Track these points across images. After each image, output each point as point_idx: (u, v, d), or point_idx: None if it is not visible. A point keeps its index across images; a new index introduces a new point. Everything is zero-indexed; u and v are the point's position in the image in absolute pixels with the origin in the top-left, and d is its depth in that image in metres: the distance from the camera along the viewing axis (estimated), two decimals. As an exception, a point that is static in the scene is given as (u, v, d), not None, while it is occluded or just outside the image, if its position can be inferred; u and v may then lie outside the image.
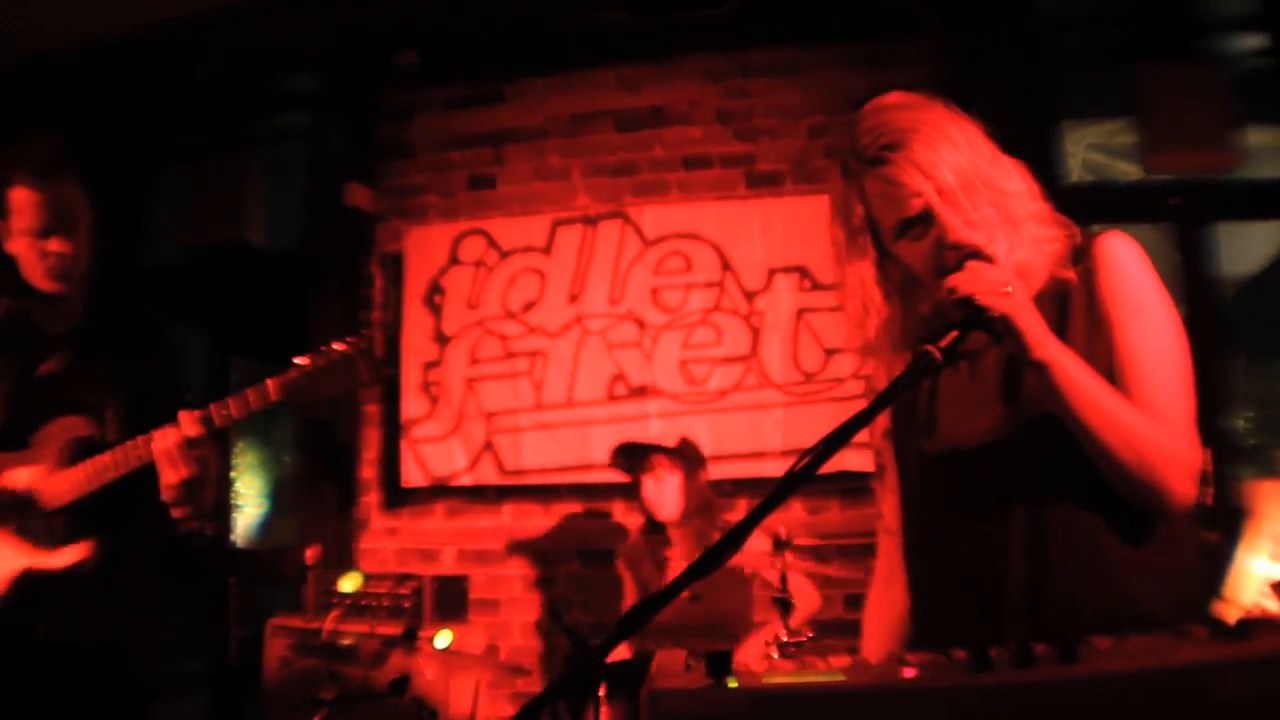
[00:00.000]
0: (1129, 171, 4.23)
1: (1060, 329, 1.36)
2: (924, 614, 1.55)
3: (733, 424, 3.89)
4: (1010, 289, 1.29)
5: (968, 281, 1.29)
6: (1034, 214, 1.42)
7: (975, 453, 1.44)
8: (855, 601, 3.85)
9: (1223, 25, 4.21)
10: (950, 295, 1.29)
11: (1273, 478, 4.74)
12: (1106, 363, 1.36)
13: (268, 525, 4.83)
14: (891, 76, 4.01)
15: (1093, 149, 4.25)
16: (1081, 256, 1.43)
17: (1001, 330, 1.29)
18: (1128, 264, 1.42)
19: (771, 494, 1.09)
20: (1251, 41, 4.22)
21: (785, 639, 2.94)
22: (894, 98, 1.43)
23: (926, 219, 1.36)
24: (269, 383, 1.89)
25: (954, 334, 1.24)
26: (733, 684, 1.05)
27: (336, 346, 1.91)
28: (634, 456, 3.41)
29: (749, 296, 3.96)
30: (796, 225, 3.95)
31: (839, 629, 3.80)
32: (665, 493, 3.35)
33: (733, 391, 3.93)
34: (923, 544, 1.54)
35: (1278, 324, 4.43)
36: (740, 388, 3.93)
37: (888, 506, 1.63)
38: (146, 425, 1.97)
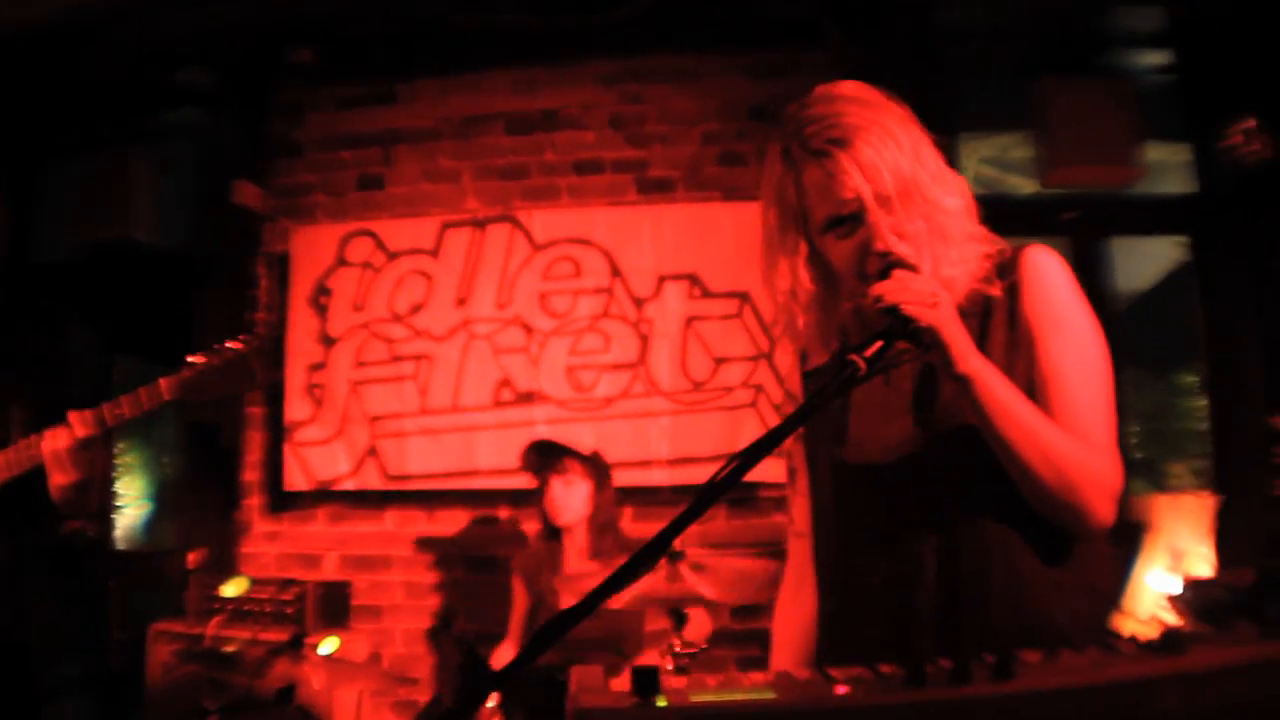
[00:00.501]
0: (1021, 186, 4.26)
1: (980, 343, 1.34)
2: (833, 623, 1.52)
3: (620, 432, 3.85)
4: (937, 300, 1.27)
5: (895, 291, 1.26)
6: (968, 233, 1.40)
7: (887, 464, 1.42)
8: (741, 612, 3.83)
9: (1127, 41, 4.25)
10: (876, 304, 1.27)
11: (1164, 491, 4.82)
12: (1026, 378, 1.34)
13: (150, 527, 4.72)
14: (789, 87, 4.03)
15: (986, 163, 4.28)
16: (1006, 270, 1.41)
17: (928, 342, 1.26)
18: (1052, 279, 1.40)
19: (691, 505, 1.06)
20: (1155, 58, 4.27)
21: (679, 650, 2.91)
22: (848, 88, 1.39)
23: (857, 219, 1.33)
24: (162, 382, 1.87)
25: (879, 344, 1.21)
26: (661, 703, 1.00)
27: (230, 345, 1.91)
28: (548, 456, 3.35)
29: (638, 303, 3.93)
30: (687, 232, 3.93)
31: (729, 639, 3.78)
32: (572, 498, 3.30)
33: (620, 399, 3.90)
34: (832, 552, 1.52)
35: (1167, 338, 4.49)
36: (628, 395, 3.90)
37: (798, 510, 1.62)
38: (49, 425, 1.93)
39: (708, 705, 1.01)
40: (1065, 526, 1.32)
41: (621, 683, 1.04)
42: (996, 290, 1.39)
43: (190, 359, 1.90)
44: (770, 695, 1.03)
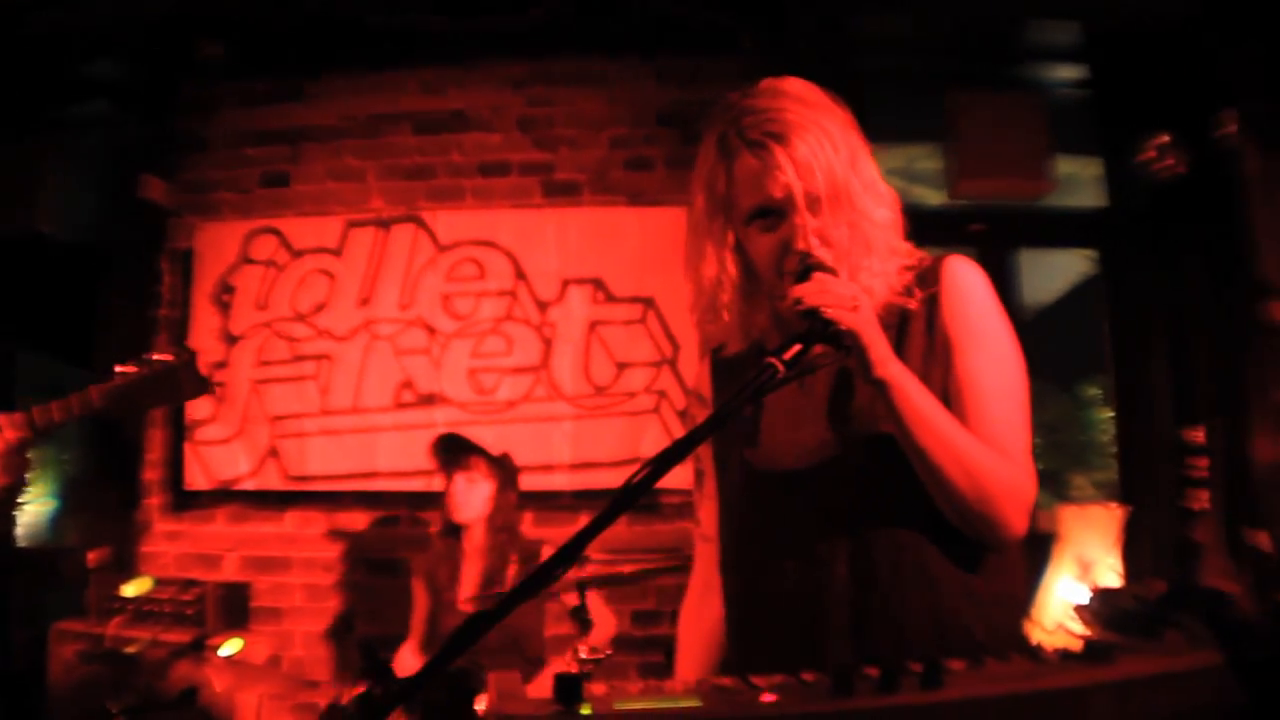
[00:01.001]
0: (928, 197, 4.27)
1: (898, 353, 1.31)
2: (741, 631, 1.50)
3: (521, 435, 3.83)
4: (858, 304, 1.25)
5: (815, 293, 1.24)
6: (891, 246, 1.38)
7: (799, 470, 1.39)
8: (643, 618, 3.83)
9: (1040, 55, 4.27)
10: (796, 305, 1.24)
11: (1067, 501, 4.85)
12: (943, 389, 1.33)
13: (54, 525, 4.66)
14: (699, 91, 4.03)
15: (893, 174, 4.27)
16: (925, 282, 1.39)
17: (848, 345, 1.24)
18: (972, 290, 1.39)
19: (604, 511, 1.03)
20: (1069, 72, 4.29)
21: (585, 656, 2.90)
22: (794, 85, 1.37)
23: (781, 215, 1.32)
24: (92, 390, 1.87)
25: (798, 346, 1.18)
26: (585, 710, 0.98)
27: (159, 358, 1.91)
28: (454, 452, 3.32)
29: (542, 307, 3.91)
30: (593, 236, 3.92)
31: (629, 645, 3.77)
32: (472, 496, 3.28)
33: (522, 403, 3.88)
34: (741, 558, 1.49)
35: (1070, 351, 4.52)
36: (530, 399, 3.88)
37: (705, 513, 1.59)
38: None
39: (632, 713, 0.99)
40: (978, 536, 1.31)
41: (539, 689, 1.02)
42: (914, 303, 1.38)
43: (119, 369, 1.90)
44: (696, 703, 1.01)
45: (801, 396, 1.42)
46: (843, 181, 1.31)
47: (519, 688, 1.06)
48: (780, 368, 1.16)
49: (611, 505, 1.05)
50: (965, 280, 1.39)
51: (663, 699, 1.03)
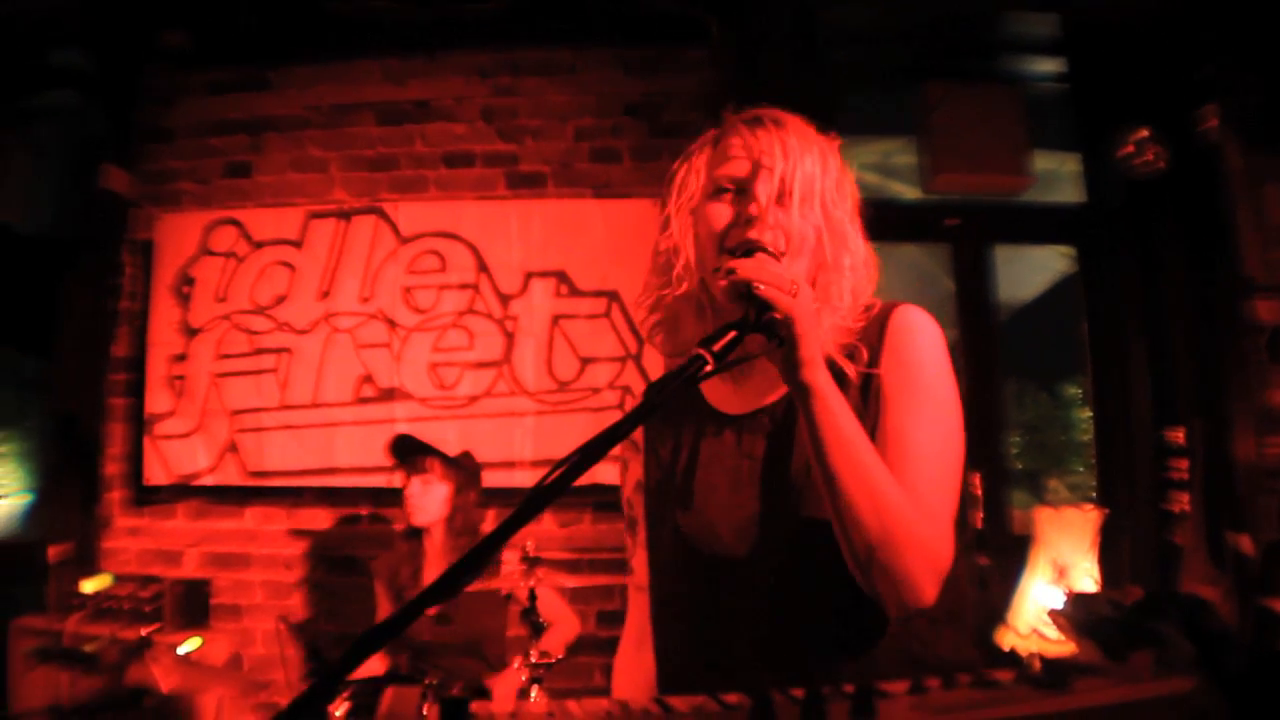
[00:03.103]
0: (904, 192, 4.20)
1: None
2: (674, 688, 1.36)
3: (483, 431, 3.77)
4: (797, 290, 1.16)
5: (753, 269, 1.16)
6: (848, 301, 1.31)
7: (727, 556, 1.31)
8: (608, 619, 3.77)
9: (1017, 48, 4.19)
10: (729, 276, 1.16)
11: (1045, 503, 4.77)
12: (871, 439, 1.23)
13: (27, 519, 4.63)
14: (667, 82, 3.97)
15: (867, 168, 4.22)
16: (873, 329, 1.31)
17: (782, 335, 1.15)
18: (915, 344, 1.30)
19: (519, 509, 0.97)
20: (1047, 66, 4.21)
21: (535, 660, 2.84)
22: (800, 125, 1.34)
23: (746, 191, 1.27)
24: None
25: (731, 335, 1.11)
26: None
27: None
28: (407, 454, 3.26)
29: (504, 300, 3.85)
30: (556, 229, 3.85)
31: (593, 646, 3.71)
32: (428, 499, 3.21)
33: (484, 398, 3.82)
34: (671, 617, 1.41)
35: (1050, 350, 4.44)
36: (491, 394, 3.82)
37: (638, 562, 1.49)
38: None
39: None
40: (878, 597, 1.18)
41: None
42: (860, 359, 1.30)
43: None
44: None
45: (739, 458, 1.34)
46: (824, 206, 1.29)
47: (413, 706, 1.01)
48: (709, 359, 1.08)
49: (524, 506, 0.97)
50: (910, 333, 1.30)
51: None
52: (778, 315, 1.13)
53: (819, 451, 1.17)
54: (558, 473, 0.99)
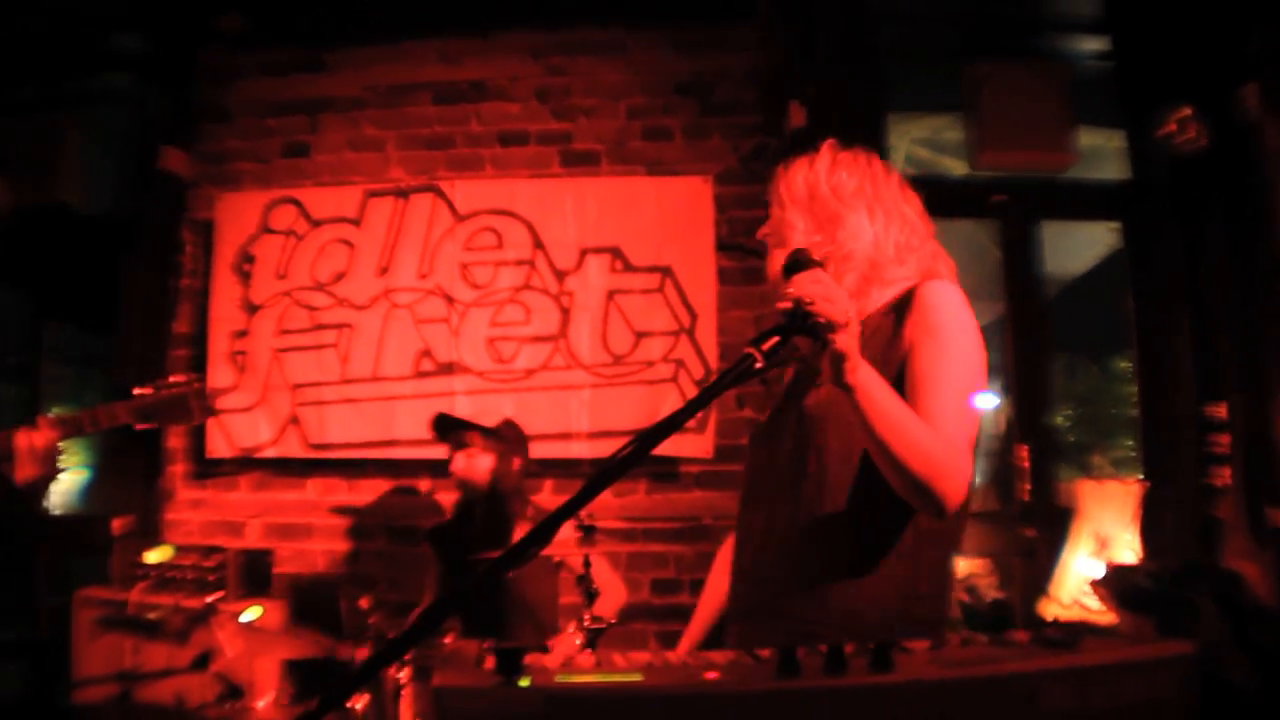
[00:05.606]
0: (954, 168, 4.24)
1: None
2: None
3: (539, 404, 3.85)
4: (845, 302, 1.36)
5: (804, 284, 1.35)
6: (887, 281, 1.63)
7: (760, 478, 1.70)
8: (662, 587, 3.85)
9: (1063, 26, 4.22)
10: (786, 289, 1.35)
11: (1092, 476, 4.82)
12: (895, 381, 1.49)
13: (87, 494, 4.74)
14: (717, 60, 4.02)
15: (918, 143, 4.27)
16: (902, 304, 1.57)
17: (826, 340, 1.33)
18: (940, 302, 1.54)
19: (587, 484, 1.08)
20: (1092, 44, 4.24)
21: (588, 625, 2.92)
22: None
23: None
24: (117, 407, 2.20)
25: (777, 338, 1.26)
26: (524, 683, 1.00)
27: (173, 381, 2.25)
28: (447, 431, 3.34)
29: (559, 276, 3.92)
30: (610, 206, 3.92)
31: (647, 614, 3.79)
32: (473, 472, 3.29)
33: (540, 371, 3.89)
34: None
35: (1101, 324, 4.48)
36: (548, 367, 3.89)
37: None
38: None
39: (570, 686, 1.01)
40: (923, 508, 1.47)
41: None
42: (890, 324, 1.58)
43: (138, 391, 2.23)
44: (637, 678, 1.02)
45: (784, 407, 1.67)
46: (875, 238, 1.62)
47: (470, 660, 1.08)
48: (758, 358, 1.22)
49: (593, 480, 1.09)
50: (935, 294, 1.54)
51: (607, 673, 1.05)
52: (822, 321, 1.32)
53: (869, 431, 1.41)
54: (627, 450, 1.13)
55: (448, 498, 3.89)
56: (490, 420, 3.37)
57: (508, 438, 3.37)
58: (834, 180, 1.63)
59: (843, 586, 1.52)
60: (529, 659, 1.06)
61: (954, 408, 1.48)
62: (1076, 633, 1.05)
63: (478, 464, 3.29)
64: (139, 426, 2.23)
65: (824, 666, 0.98)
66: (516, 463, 3.37)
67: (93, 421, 2.19)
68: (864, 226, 1.60)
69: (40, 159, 4.19)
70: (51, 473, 2.18)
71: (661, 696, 0.99)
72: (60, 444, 2.17)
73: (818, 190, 1.63)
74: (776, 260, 1.56)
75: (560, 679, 1.02)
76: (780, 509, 1.59)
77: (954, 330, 1.52)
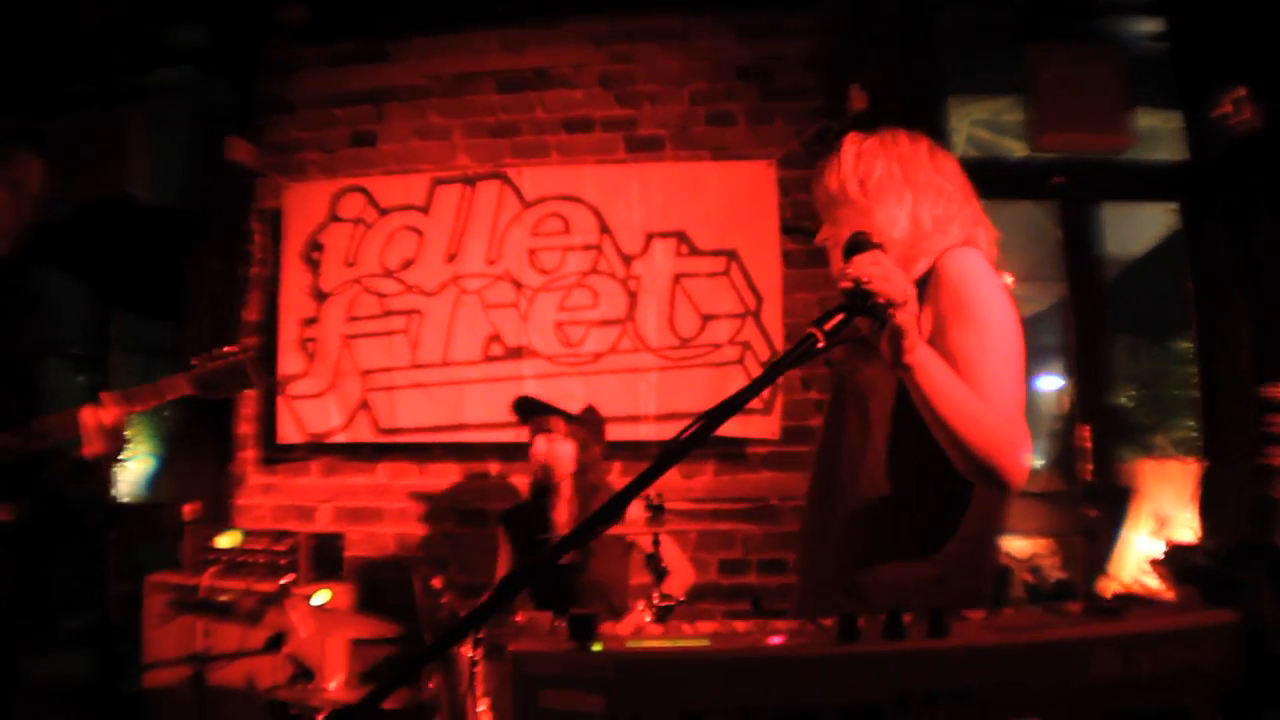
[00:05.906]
0: (1015, 149, 4.27)
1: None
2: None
3: (608, 387, 3.89)
4: (903, 281, 1.38)
5: (864, 265, 1.37)
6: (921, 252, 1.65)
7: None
8: (729, 567, 3.89)
9: (1120, 7, 4.24)
10: (848, 269, 1.37)
11: (1154, 456, 4.84)
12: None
13: (153, 480, 4.80)
14: (776, 47, 4.04)
15: (979, 125, 4.29)
16: (927, 278, 1.58)
17: (886, 319, 1.36)
18: (963, 273, 1.55)
19: (654, 464, 1.10)
20: (1148, 25, 4.26)
21: (657, 603, 2.96)
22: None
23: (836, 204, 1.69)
24: (180, 378, 2.21)
25: (839, 317, 1.28)
26: (597, 648, 1.04)
27: (229, 350, 2.27)
28: (530, 414, 3.35)
29: (626, 260, 3.96)
30: (675, 190, 3.96)
31: (714, 594, 3.83)
32: (555, 456, 3.30)
33: (608, 354, 3.94)
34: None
35: (1161, 305, 4.49)
36: (616, 351, 3.94)
37: None
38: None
39: (640, 651, 1.05)
40: (986, 482, 1.47)
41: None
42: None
43: (196, 360, 2.24)
44: (704, 643, 1.07)
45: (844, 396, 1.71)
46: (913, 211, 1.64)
47: (545, 627, 1.13)
48: (820, 338, 1.25)
49: (658, 461, 1.13)
50: (956, 267, 1.56)
51: (674, 639, 1.09)
52: (880, 301, 1.34)
53: (928, 407, 1.43)
54: (691, 430, 1.17)
55: (518, 481, 3.94)
56: (567, 405, 3.41)
57: (590, 425, 3.39)
58: (860, 175, 1.65)
59: (896, 562, 1.54)
60: (601, 627, 1.10)
61: (1001, 379, 1.48)
62: (1125, 602, 1.09)
63: (559, 449, 3.30)
64: (202, 396, 2.25)
65: (883, 632, 1.02)
66: (597, 450, 3.39)
67: (155, 393, 2.20)
68: (898, 214, 1.63)
69: (106, 152, 4.23)
70: (118, 449, 2.19)
71: (728, 661, 1.03)
72: (126, 419, 2.17)
73: (848, 191, 1.65)
74: (837, 263, 1.58)
75: (631, 645, 1.06)
76: (840, 489, 1.62)
77: (982, 298, 1.53)
